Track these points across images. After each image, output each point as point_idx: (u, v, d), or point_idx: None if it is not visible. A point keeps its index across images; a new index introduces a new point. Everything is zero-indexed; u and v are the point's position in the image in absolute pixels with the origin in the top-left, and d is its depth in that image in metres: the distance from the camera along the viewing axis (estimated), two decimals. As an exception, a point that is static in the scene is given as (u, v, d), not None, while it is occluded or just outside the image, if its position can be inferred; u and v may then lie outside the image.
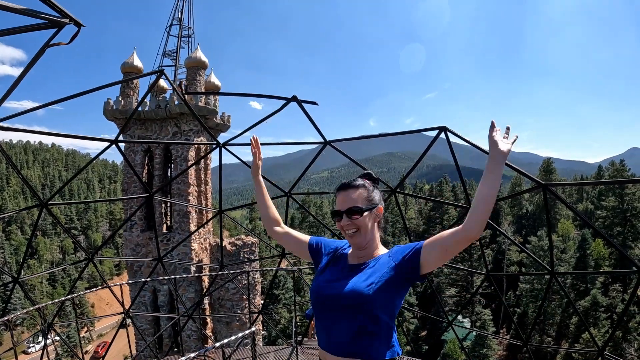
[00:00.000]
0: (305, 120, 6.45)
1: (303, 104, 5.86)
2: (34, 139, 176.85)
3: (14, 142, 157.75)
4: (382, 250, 2.58)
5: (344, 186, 2.58)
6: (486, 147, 2.73)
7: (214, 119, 25.79)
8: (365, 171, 2.74)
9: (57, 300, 7.18)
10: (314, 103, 5.69)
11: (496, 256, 57.58)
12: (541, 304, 26.37)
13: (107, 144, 6.94)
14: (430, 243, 2.32)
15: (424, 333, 51.96)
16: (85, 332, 73.26)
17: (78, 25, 2.80)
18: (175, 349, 23.63)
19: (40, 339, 64.81)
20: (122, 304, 9.29)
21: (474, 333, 45.62)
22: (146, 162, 25.39)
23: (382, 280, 2.33)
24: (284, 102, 5.89)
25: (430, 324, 51.29)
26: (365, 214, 2.49)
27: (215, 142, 7.72)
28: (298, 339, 10.91)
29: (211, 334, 25.16)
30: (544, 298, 10.72)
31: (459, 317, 48.00)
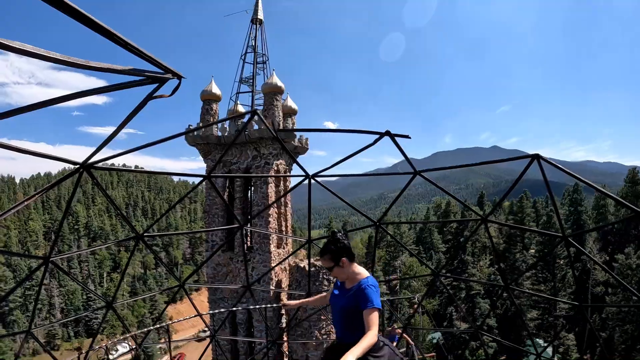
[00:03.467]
0: (382, 145, 6.45)
1: (396, 138, 5.81)
2: (119, 161, 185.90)
3: (99, 164, 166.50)
4: (360, 276, 4.36)
5: (319, 254, 4.48)
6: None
7: (292, 141, 26.21)
8: (332, 231, 4.58)
9: (150, 329, 7.39)
10: (407, 137, 5.68)
11: (581, 276, 54.09)
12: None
13: (201, 178, 7.16)
14: (364, 314, 4.03)
15: (503, 358, 49.54)
16: (163, 343, 76.27)
17: (179, 77, 2.90)
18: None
19: (117, 347, 69.52)
20: (211, 330, 9.49)
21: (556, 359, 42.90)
22: (227, 184, 26.06)
23: (350, 300, 4.26)
24: (377, 136, 5.89)
25: (510, 348, 48.80)
26: (335, 270, 4.38)
27: (304, 174, 7.76)
28: None
29: (286, 352, 25.24)
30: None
31: (540, 341, 45.26)
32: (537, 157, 5.65)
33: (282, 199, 26.37)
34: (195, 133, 25.57)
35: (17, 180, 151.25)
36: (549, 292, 50.64)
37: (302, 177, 7.86)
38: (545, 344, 45.94)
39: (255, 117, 24.48)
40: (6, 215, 5.01)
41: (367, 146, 6.25)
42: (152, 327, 7.65)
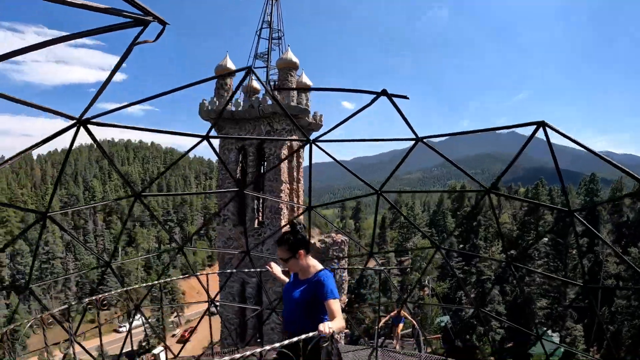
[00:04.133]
0: (399, 121, 6.38)
1: (393, 99, 5.69)
2: (135, 137, 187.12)
3: (116, 140, 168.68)
4: (314, 269, 4.41)
5: (277, 243, 4.45)
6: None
7: (306, 118, 26.10)
8: (291, 220, 4.63)
9: (145, 285, 7.49)
10: (405, 97, 5.57)
11: (593, 267, 53.21)
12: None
13: (199, 139, 7.12)
14: (326, 305, 4.11)
15: (510, 344, 49.22)
16: (175, 317, 77.21)
17: (162, 23, 2.85)
18: (258, 340, 24.04)
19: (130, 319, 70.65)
20: (207, 292, 9.67)
21: (562, 349, 42.44)
22: (240, 159, 26.10)
23: (305, 293, 4.32)
24: (374, 96, 5.80)
25: (518, 335, 48.38)
26: (291, 261, 4.35)
27: (305, 139, 7.70)
28: (380, 340, 10.83)
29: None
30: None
31: (548, 331, 44.92)
32: (542, 124, 5.52)
33: (295, 175, 26.36)
34: (209, 108, 25.58)
35: (34, 157, 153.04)
36: (558, 281, 50.05)
37: (304, 141, 7.80)
38: (553, 334, 45.49)
39: (256, 81, 24.37)
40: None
41: (364, 107, 6.18)
42: (149, 284, 7.69)
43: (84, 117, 5.31)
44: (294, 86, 24.90)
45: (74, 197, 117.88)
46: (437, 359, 10.25)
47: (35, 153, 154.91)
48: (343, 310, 11.93)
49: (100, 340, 7.98)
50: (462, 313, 49.86)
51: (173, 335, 68.82)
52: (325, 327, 3.66)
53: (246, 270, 10.26)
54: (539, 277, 49.95)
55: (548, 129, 5.57)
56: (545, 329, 42.51)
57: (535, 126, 5.63)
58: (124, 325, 72.00)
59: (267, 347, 3.27)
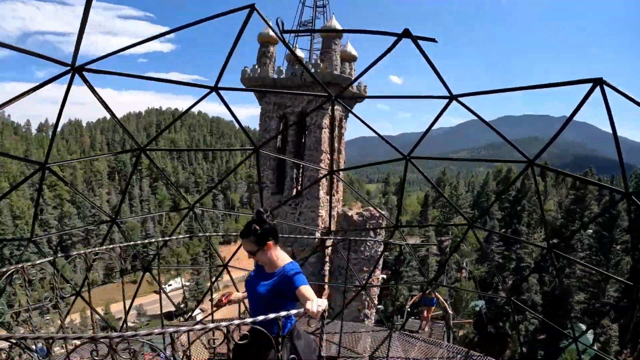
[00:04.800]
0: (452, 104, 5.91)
1: (418, 41, 5.14)
2: (182, 106, 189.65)
3: (164, 108, 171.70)
4: (282, 261, 4.01)
5: (240, 235, 4.02)
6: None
7: (350, 88, 25.60)
8: (257, 210, 4.07)
9: (156, 241, 7.24)
10: (433, 40, 4.98)
11: (636, 266, 50.12)
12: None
13: (207, 90, 6.75)
14: (298, 293, 3.68)
15: (542, 336, 47.63)
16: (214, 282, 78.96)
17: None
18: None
19: (170, 282, 75.10)
20: (218, 255, 9.49)
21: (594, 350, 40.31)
22: (281, 127, 25.92)
23: (273, 287, 3.88)
24: (396, 38, 5.24)
25: (552, 327, 46.16)
26: (257, 253, 3.92)
27: (327, 94, 7.23)
28: (397, 323, 10.26)
29: (326, 292, 25.30)
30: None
31: (582, 326, 43.02)
32: (600, 82, 4.88)
33: (336, 145, 26.03)
34: (251, 75, 25.36)
35: (84, 124, 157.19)
36: (600, 277, 47.92)
37: (325, 97, 7.35)
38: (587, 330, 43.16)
39: (309, 61, 24.01)
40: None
41: (387, 51, 5.62)
42: (162, 239, 7.53)
43: (78, 64, 5.06)
44: (338, 54, 24.43)
45: (121, 162, 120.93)
46: (457, 349, 9.31)
47: (84, 120, 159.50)
48: (361, 288, 11.31)
49: (127, 303, 7.84)
50: (497, 299, 48.62)
51: (211, 300, 70.15)
52: (314, 305, 3.23)
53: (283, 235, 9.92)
54: (579, 270, 48.16)
55: (606, 88, 4.93)
56: (583, 328, 41.07)
57: (591, 84, 4.98)
58: (165, 287, 75.05)
59: (236, 322, 2.82)
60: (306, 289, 3.68)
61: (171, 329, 2.50)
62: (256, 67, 25.59)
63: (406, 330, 19.83)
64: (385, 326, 10.25)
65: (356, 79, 6.85)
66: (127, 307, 7.87)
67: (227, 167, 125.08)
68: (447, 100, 6.25)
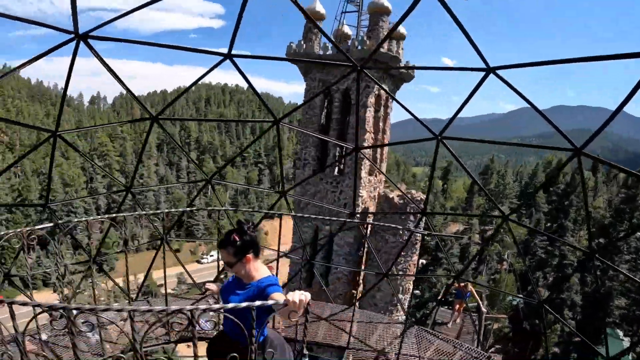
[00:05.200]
0: (498, 88, 5.52)
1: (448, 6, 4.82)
2: (232, 81, 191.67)
3: (213, 83, 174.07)
4: (260, 275, 3.76)
5: (218, 245, 3.94)
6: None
7: (397, 66, 25.02)
8: (240, 220, 3.88)
9: (162, 212, 7.23)
10: None
11: None
12: None
13: (221, 58, 6.59)
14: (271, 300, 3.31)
15: (577, 339, 45.05)
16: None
17: None
18: (323, 288, 23.96)
19: (212, 252, 77.24)
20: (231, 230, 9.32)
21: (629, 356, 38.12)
22: (325, 104, 25.65)
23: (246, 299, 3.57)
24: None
25: (588, 332, 43.91)
26: (235, 265, 3.74)
27: (352, 64, 6.94)
28: (413, 318, 9.69)
29: (361, 282, 25.11)
30: None
31: (619, 332, 40.85)
32: None
33: (381, 125, 25.59)
34: (296, 50, 25.08)
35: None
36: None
37: (350, 67, 7.09)
38: (624, 338, 41.86)
39: (356, 38, 23.60)
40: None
41: (409, 9, 5.28)
42: (168, 210, 7.52)
43: (83, 32, 5.00)
44: (385, 31, 23.84)
45: (169, 134, 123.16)
46: (477, 353, 8.18)
47: (136, 92, 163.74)
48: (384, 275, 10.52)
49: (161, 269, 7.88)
50: (535, 295, 46.71)
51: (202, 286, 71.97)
52: (295, 295, 3.00)
53: (311, 216, 9.69)
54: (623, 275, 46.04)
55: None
56: (620, 335, 39.45)
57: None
58: (207, 257, 78.06)
59: (202, 307, 2.65)
60: (276, 296, 3.43)
61: (129, 307, 2.40)
62: (302, 42, 25.29)
63: (435, 323, 19.34)
64: (404, 320, 9.44)
65: (380, 43, 6.58)
66: (164, 275, 7.90)
67: (273, 142, 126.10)
68: (484, 74, 5.91)
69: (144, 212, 7.19)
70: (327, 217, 8.12)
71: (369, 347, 7.92)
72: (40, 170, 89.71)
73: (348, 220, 9.74)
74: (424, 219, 10.19)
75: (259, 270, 3.81)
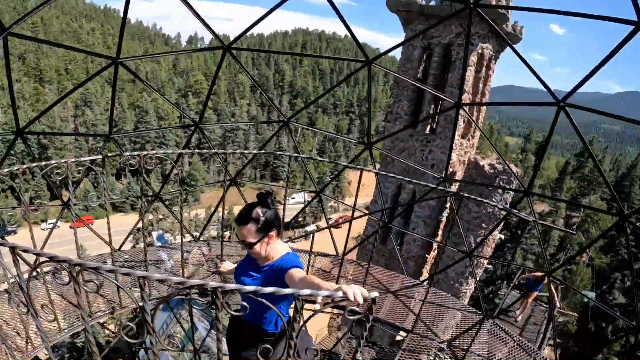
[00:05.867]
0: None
1: None
2: (329, 29, 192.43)
3: (310, 29, 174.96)
4: (278, 253, 3.28)
5: (237, 221, 3.26)
6: None
7: (504, 26, 23.16)
8: (262, 192, 3.30)
9: (173, 152, 6.93)
10: None
11: None
12: None
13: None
14: (287, 278, 2.99)
15: None
16: (334, 203, 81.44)
17: None
18: (398, 247, 23.30)
19: (294, 195, 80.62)
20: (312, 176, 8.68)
21: None
22: (424, 58, 24.38)
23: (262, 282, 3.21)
24: None
25: None
26: (256, 246, 3.23)
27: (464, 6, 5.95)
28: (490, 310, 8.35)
29: (435, 251, 24.25)
30: None
31: None
32: None
33: (481, 87, 24.04)
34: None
35: (231, 38, 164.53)
36: None
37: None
38: None
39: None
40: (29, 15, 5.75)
41: None
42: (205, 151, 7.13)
43: None
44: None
45: (264, 77, 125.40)
46: None
47: (232, 36, 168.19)
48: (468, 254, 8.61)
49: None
50: (608, 296, 43.69)
51: (329, 219, 73.75)
52: (355, 290, 2.04)
53: (399, 177, 8.90)
54: None
55: None
56: None
57: None
58: (288, 199, 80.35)
59: (230, 286, 1.94)
60: (302, 272, 3.01)
61: (141, 273, 1.93)
62: (399, -9, 23.89)
63: (502, 315, 17.96)
64: (481, 311, 7.66)
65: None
66: (221, 219, 7.63)
67: (367, 96, 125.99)
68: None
69: (205, 152, 6.83)
70: (415, 181, 7.11)
71: (435, 336, 6.82)
72: (136, 104, 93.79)
73: (440, 188, 8.77)
74: (524, 199, 8.74)
75: (278, 249, 3.33)
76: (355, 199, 7.46)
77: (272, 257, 3.28)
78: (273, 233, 3.26)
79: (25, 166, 4.59)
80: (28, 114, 75.35)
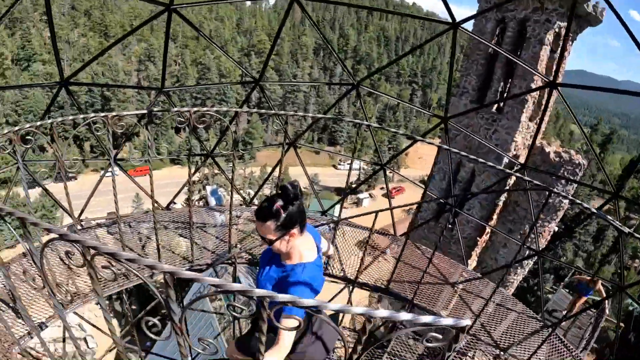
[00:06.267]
0: None
1: None
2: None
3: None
4: (296, 257, 2.93)
5: (256, 216, 2.86)
6: None
7: (585, 6, 21.55)
8: (283, 184, 2.86)
9: (227, 109, 6.51)
10: None
11: None
12: None
13: None
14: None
15: None
16: (390, 173, 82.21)
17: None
18: (450, 225, 22.49)
19: (349, 161, 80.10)
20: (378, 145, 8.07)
21: None
22: (497, 32, 23.09)
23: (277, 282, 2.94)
24: None
25: None
26: (276, 243, 2.87)
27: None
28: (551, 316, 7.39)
29: (488, 230, 23.20)
30: None
31: None
32: None
33: (554, 67, 22.56)
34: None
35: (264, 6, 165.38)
36: None
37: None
38: None
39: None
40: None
41: None
42: (237, 109, 6.73)
43: None
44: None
45: (328, 40, 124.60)
46: None
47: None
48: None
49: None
50: None
51: (382, 188, 74.89)
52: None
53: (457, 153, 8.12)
54: None
55: None
56: None
57: None
58: (343, 164, 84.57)
59: (261, 292, 1.58)
60: (282, 323, 2.45)
61: (168, 268, 1.62)
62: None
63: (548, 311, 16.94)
64: (543, 318, 6.62)
65: None
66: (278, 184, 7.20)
67: (432, 65, 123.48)
68: None
69: (263, 111, 6.40)
70: (498, 167, 6.23)
71: (492, 340, 5.99)
72: (199, 60, 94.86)
73: (526, 178, 7.90)
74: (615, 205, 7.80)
75: (298, 251, 2.97)
76: (429, 180, 6.82)
77: (291, 257, 2.98)
78: (295, 230, 2.89)
79: (67, 118, 4.62)
80: (93, 68, 77.99)
